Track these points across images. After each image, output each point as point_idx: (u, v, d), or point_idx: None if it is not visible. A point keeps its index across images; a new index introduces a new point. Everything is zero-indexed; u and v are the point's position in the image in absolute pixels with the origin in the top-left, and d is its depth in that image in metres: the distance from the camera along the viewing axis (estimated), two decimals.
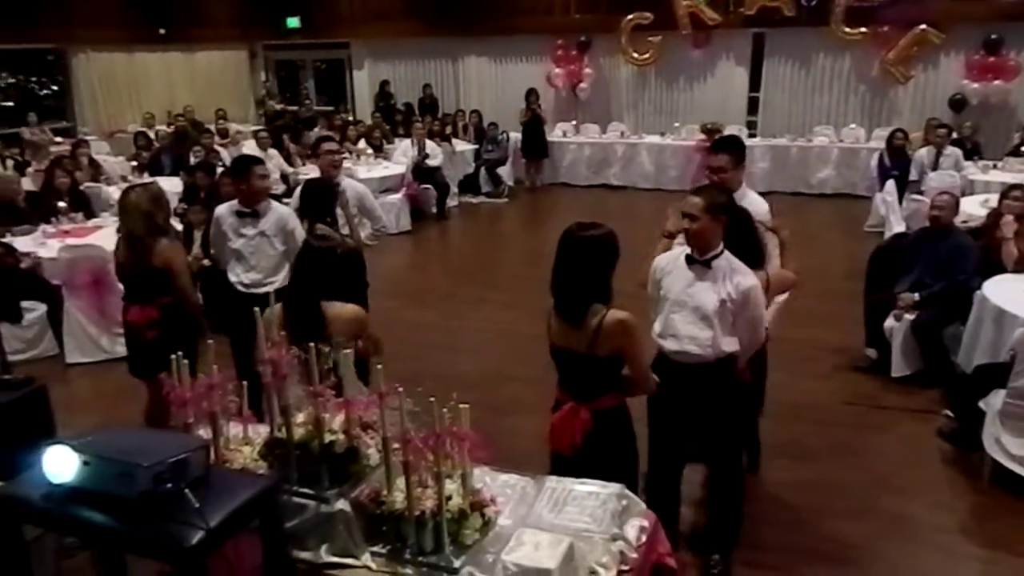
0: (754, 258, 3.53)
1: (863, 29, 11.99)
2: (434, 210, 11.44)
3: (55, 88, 15.43)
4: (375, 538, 2.31)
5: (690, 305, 3.24)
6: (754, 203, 3.92)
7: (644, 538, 2.49)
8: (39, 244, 6.83)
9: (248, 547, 2.04)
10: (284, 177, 10.39)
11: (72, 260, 6.32)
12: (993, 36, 11.52)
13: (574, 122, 14.18)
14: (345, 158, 5.97)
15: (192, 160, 9.90)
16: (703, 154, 11.59)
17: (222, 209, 4.79)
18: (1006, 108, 11.72)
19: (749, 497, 4.09)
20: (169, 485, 1.74)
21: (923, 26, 11.67)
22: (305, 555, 2.30)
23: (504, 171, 13.01)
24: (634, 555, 2.39)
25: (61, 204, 7.66)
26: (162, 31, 15.49)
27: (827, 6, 12.02)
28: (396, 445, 2.22)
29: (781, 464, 4.46)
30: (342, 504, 2.31)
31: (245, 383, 2.63)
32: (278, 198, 5.66)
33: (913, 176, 9.59)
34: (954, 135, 10.33)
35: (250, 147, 11.13)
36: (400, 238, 10.34)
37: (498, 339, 6.58)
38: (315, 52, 17.28)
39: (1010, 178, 8.53)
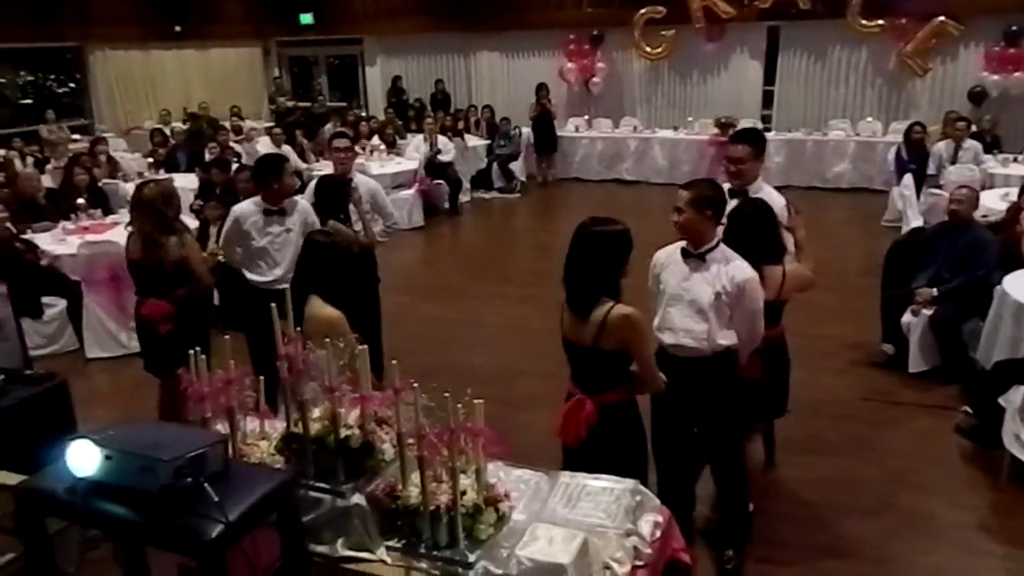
0: (772, 253, 3.51)
1: (880, 21, 11.88)
2: (446, 206, 11.45)
3: (73, 86, 15.54)
4: (390, 532, 2.32)
5: (686, 299, 3.25)
6: (770, 197, 3.89)
7: (658, 533, 2.49)
8: (59, 241, 6.90)
9: (265, 541, 2.06)
10: (298, 173, 10.41)
11: (91, 256, 6.39)
12: (1013, 27, 11.38)
13: (586, 117, 14.15)
14: (356, 155, 5.97)
15: (207, 157, 9.97)
16: (717, 148, 11.56)
17: (244, 208, 4.72)
18: None
19: (765, 493, 4.10)
20: (189, 479, 1.76)
21: (941, 17, 11.55)
22: (321, 549, 2.32)
23: (516, 166, 13.01)
24: (648, 550, 2.39)
25: (80, 201, 7.73)
26: (178, 28, 15.56)
27: None
28: (411, 440, 2.23)
29: (797, 460, 4.45)
30: (358, 498, 2.32)
31: (262, 378, 2.65)
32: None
33: (931, 170, 9.50)
34: (973, 128, 10.19)
35: (264, 143, 11.19)
36: (413, 234, 10.37)
37: (511, 334, 6.59)
38: (328, 48, 17.32)
39: None
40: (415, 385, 2.19)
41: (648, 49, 13.54)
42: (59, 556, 2.06)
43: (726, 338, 3.25)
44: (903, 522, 3.95)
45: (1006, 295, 4.83)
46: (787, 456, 4.44)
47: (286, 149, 10.66)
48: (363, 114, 14.67)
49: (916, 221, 7.59)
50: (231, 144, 11.00)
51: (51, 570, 1.94)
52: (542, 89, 13.31)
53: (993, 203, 7.16)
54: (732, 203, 3.90)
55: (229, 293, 5.75)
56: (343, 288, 3.32)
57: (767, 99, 13.48)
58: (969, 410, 4.69)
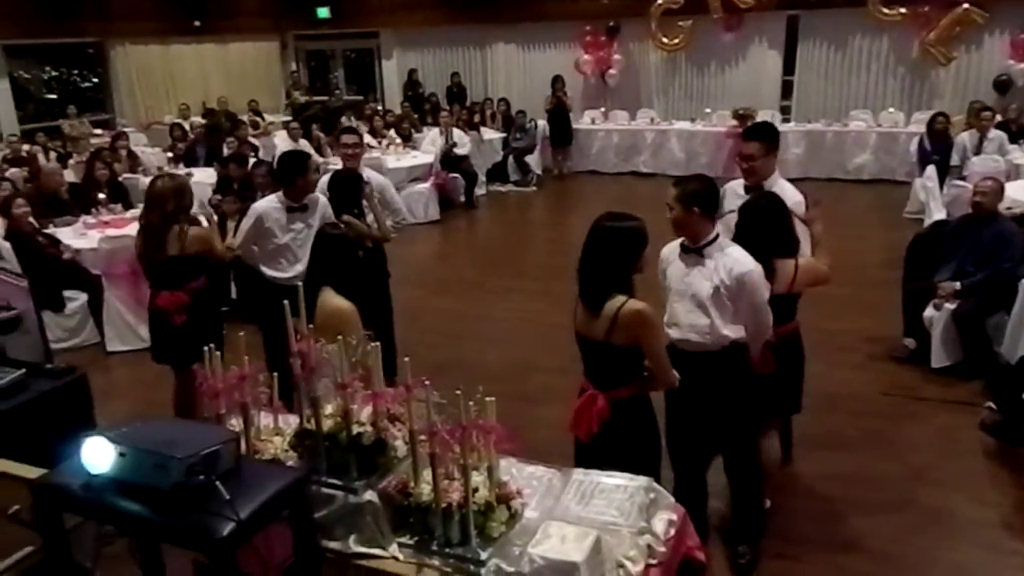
0: (784, 246, 3.48)
1: (902, 9, 11.69)
2: (462, 199, 11.44)
3: (95, 81, 15.69)
4: (402, 529, 2.33)
5: (688, 293, 3.25)
6: (785, 192, 3.85)
7: (672, 531, 2.48)
8: (80, 235, 6.99)
9: (279, 537, 2.07)
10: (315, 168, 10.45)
11: (111, 250, 6.46)
12: None
13: (603, 109, 14.07)
14: (362, 151, 5.98)
15: (226, 151, 10.02)
16: (735, 140, 11.45)
17: (266, 206, 4.71)
18: None
19: (782, 489, 4.06)
20: (201, 477, 1.77)
21: (965, 5, 11.35)
22: (334, 545, 2.32)
23: (532, 159, 12.97)
24: (662, 548, 2.38)
25: (101, 195, 7.81)
26: (196, 23, 15.65)
27: None
28: (423, 437, 2.23)
29: (816, 456, 4.41)
30: (370, 495, 2.32)
31: (276, 374, 2.66)
32: None
33: (955, 161, 9.36)
34: (998, 118, 10.03)
35: (281, 138, 11.23)
36: (428, 227, 10.38)
37: (526, 328, 6.58)
38: (345, 42, 17.34)
39: None
40: (427, 382, 2.19)
41: (665, 40, 13.43)
42: (76, 550, 2.08)
43: (732, 332, 3.23)
44: (924, 519, 3.90)
45: None
46: (805, 451, 4.40)
47: (303, 143, 10.69)
48: (379, 108, 14.69)
49: (939, 213, 7.48)
50: (249, 139, 11.05)
51: (68, 564, 1.96)
52: (558, 81, 13.24)
53: (1018, 195, 7.02)
54: (750, 196, 3.87)
55: (246, 286, 5.78)
56: (353, 280, 3.33)
57: (786, 89, 13.34)
58: (993, 406, 4.62)
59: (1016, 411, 4.32)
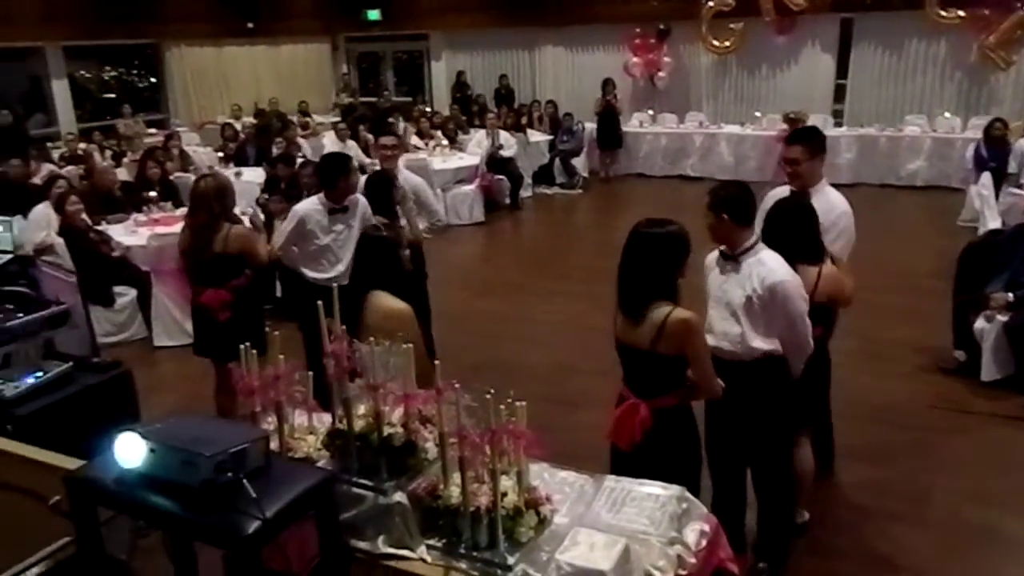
0: (809, 252, 3.38)
1: (960, 12, 11.38)
2: (507, 201, 11.45)
3: (151, 81, 16.11)
4: (431, 531, 2.32)
5: (723, 301, 3.20)
6: (828, 200, 3.76)
7: (704, 542, 2.43)
8: (131, 232, 7.16)
9: (305, 536, 2.09)
10: (361, 168, 10.57)
11: (160, 248, 6.62)
12: None
13: (651, 112, 13.95)
14: (400, 152, 6.02)
15: (275, 152, 10.19)
16: (784, 145, 11.25)
17: (308, 208, 4.76)
18: None
19: (822, 501, 3.97)
20: (229, 474, 1.79)
21: None
22: (363, 545, 2.33)
23: (579, 162, 12.92)
24: (692, 559, 2.34)
25: (152, 194, 8.00)
26: (250, 25, 15.97)
27: None
28: (453, 440, 2.23)
29: (858, 467, 4.31)
30: (399, 496, 2.33)
31: (311, 373, 2.69)
32: None
33: (1012, 168, 9.05)
34: None
35: (329, 139, 11.38)
36: (473, 229, 10.41)
37: (568, 331, 6.56)
38: (395, 44, 17.52)
39: None
40: (457, 386, 2.19)
41: (716, 43, 13.27)
42: (111, 542, 2.13)
43: (763, 343, 3.15)
44: (971, 537, 3.78)
45: None
46: (847, 463, 4.30)
47: (350, 144, 10.82)
48: (427, 109, 14.80)
49: (994, 222, 7.26)
50: (297, 139, 11.22)
51: (100, 555, 2.00)
52: (608, 84, 13.17)
53: None
54: None
55: (291, 285, 5.87)
56: (401, 281, 3.35)
57: (839, 93, 13.07)
58: None
59: None
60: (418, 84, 17.54)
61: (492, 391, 2.15)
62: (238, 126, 12.98)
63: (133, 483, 1.84)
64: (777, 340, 3.18)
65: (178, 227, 6.96)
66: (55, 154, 10.75)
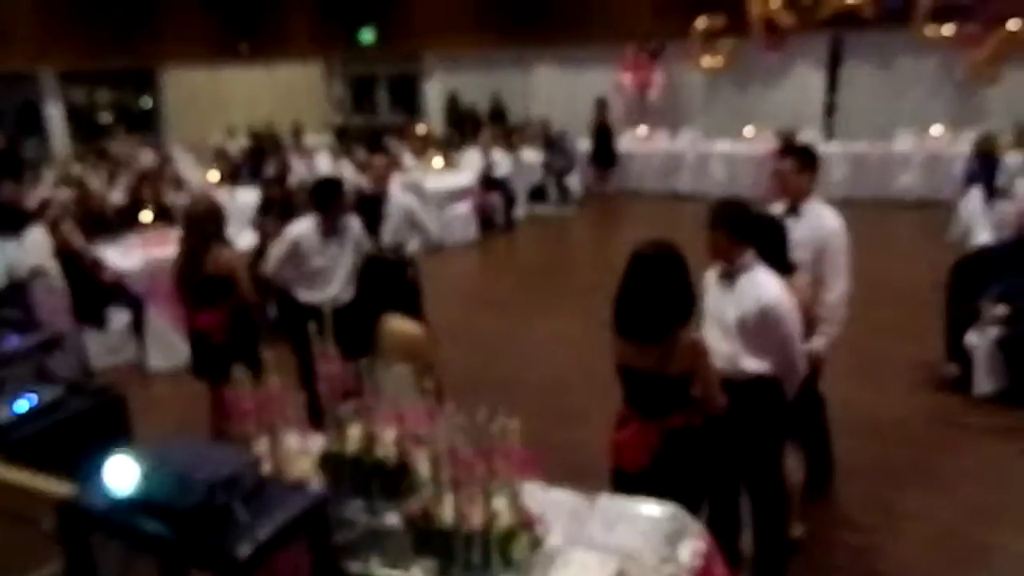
0: (777, 266, 3.34)
1: (948, 28, 11.49)
2: (501, 220, 11.48)
3: (146, 103, 16.15)
4: (424, 553, 2.32)
5: (717, 318, 3.20)
6: (819, 217, 3.79)
7: (699, 560, 2.43)
8: (125, 254, 7.14)
9: (299, 559, 2.08)
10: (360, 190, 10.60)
11: (154, 270, 6.60)
12: None
13: (644, 130, 14.03)
14: (391, 171, 6.05)
15: (269, 172, 10.20)
16: (776, 160, 11.32)
17: (301, 230, 4.79)
18: None
19: (820, 519, 3.97)
20: (221, 498, 1.79)
21: (1013, 23, 11.10)
22: (356, 567, 2.33)
23: (572, 180, 12.98)
24: None
25: (146, 215, 8.00)
26: (245, 47, 16.07)
27: (910, 5, 11.57)
28: (446, 460, 2.23)
29: (854, 484, 4.30)
30: (392, 518, 2.33)
31: (304, 394, 2.69)
32: None
33: (1001, 182, 9.14)
34: None
35: (324, 159, 11.41)
36: (467, 247, 10.43)
37: (563, 349, 6.56)
38: (389, 65, 17.62)
39: None
40: (449, 405, 2.19)
41: (707, 60, 13.38)
42: (103, 568, 2.11)
43: (754, 365, 3.15)
44: (968, 553, 3.78)
45: None
46: (845, 479, 4.30)
47: (344, 164, 10.85)
48: (421, 128, 14.86)
49: (984, 235, 7.30)
50: (291, 160, 11.25)
51: None
52: (601, 103, 13.27)
53: None
54: (786, 220, 3.81)
55: (282, 307, 5.86)
56: (414, 302, 3.35)
57: (829, 109, 13.17)
58: None
59: None
60: (412, 104, 17.62)
61: (483, 411, 2.15)
62: (232, 147, 13.00)
63: (125, 508, 1.84)
64: (768, 362, 3.17)
65: (172, 249, 7.02)
66: (49, 177, 10.75)
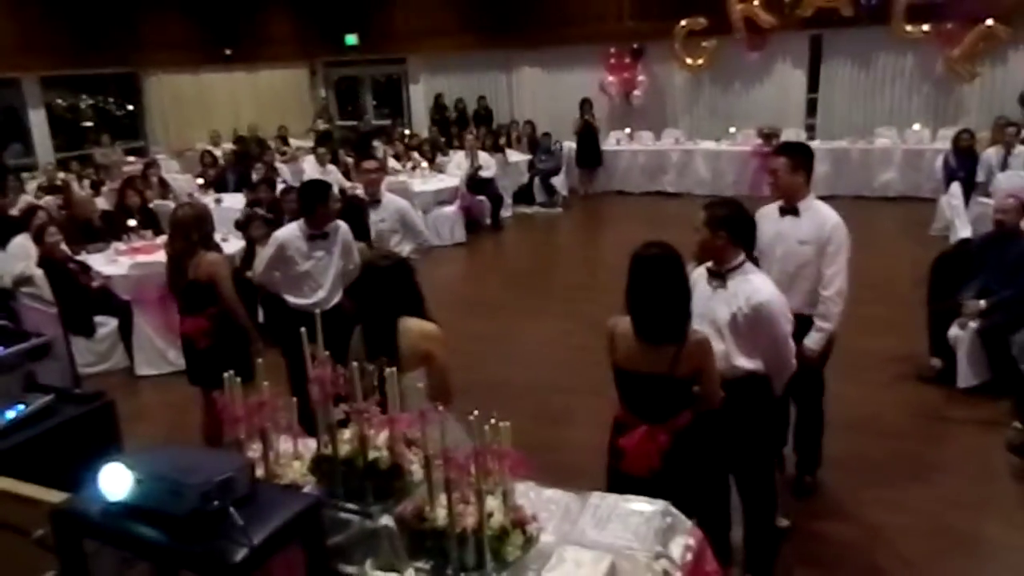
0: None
1: (926, 26, 11.63)
2: (488, 221, 11.51)
3: (130, 108, 16.07)
4: (418, 554, 2.33)
5: (708, 318, 3.20)
6: (819, 215, 3.82)
7: (690, 556, 2.46)
8: (111, 261, 7.13)
9: (293, 562, 2.09)
10: (342, 191, 10.60)
11: (140, 276, 6.60)
12: None
13: (628, 130, 14.10)
14: (383, 175, 6.06)
15: (254, 177, 10.19)
16: (760, 159, 11.42)
17: (288, 235, 4.78)
18: None
19: (807, 512, 4.02)
20: (216, 503, 1.80)
21: (989, 21, 11.25)
22: (351, 569, 2.34)
23: (558, 181, 13.02)
24: (678, 574, 2.36)
25: (132, 222, 7.97)
26: (228, 52, 16.01)
27: (888, 4, 11.69)
28: (439, 461, 2.25)
29: (840, 477, 4.35)
30: (386, 520, 2.34)
31: (296, 399, 2.71)
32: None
33: (980, 177, 9.24)
34: None
35: (309, 163, 11.40)
36: (454, 250, 10.44)
37: (552, 350, 6.58)
38: (373, 68, 17.61)
39: None
40: (441, 408, 2.21)
41: (689, 60, 13.46)
42: (97, 574, 2.12)
43: (747, 363, 3.19)
44: (953, 543, 3.83)
45: None
46: (830, 473, 4.35)
47: (330, 168, 10.84)
48: (406, 131, 14.87)
49: (964, 231, 7.39)
50: (276, 164, 11.24)
51: None
52: (585, 104, 13.33)
53: None
54: (785, 220, 3.86)
55: (271, 312, 5.86)
56: (422, 303, 3.38)
57: (811, 107, 13.30)
58: (1020, 425, 4.52)
59: None
60: (397, 107, 17.62)
61: (475, 413, 2.17)
62: (217, 152, 12.96)
63: (119, 514, 1.84)
64: (760, 360, 3.21)
65: (159, 255, 7.01)
66: (33, 184, 10.69)
